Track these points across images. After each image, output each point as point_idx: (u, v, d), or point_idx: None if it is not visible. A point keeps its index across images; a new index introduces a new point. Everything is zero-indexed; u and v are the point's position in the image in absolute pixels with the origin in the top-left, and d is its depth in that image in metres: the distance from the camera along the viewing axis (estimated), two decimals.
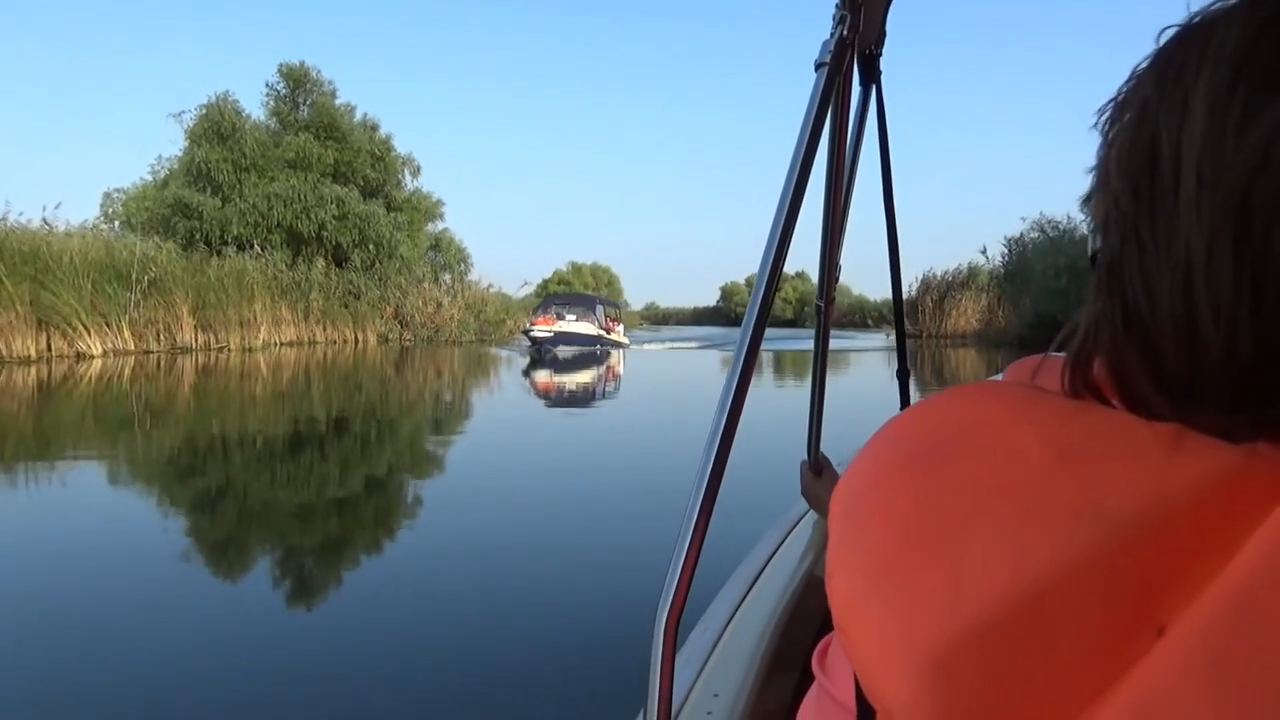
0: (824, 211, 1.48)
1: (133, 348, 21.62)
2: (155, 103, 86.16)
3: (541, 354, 27.10)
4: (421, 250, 38.06)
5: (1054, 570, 0.31)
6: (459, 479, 7.38)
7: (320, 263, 30.40)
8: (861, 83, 1.52)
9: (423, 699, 2.99)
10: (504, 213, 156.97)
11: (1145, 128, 0.36)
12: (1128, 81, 0.39)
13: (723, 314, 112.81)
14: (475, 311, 39.51)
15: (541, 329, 29.20)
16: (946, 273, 39.21)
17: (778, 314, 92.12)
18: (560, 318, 30.78)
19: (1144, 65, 0.38)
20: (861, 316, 58.91)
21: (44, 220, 22.90)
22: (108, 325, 20.93)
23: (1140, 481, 0.31)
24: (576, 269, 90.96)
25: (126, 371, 17.15)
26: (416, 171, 38.33)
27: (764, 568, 1.60)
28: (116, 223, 31.29)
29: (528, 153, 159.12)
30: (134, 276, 21.46)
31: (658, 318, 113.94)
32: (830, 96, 1.10)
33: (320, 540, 5.38)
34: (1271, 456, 0.31)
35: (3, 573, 4.49)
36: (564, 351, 27.97)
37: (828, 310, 1.62)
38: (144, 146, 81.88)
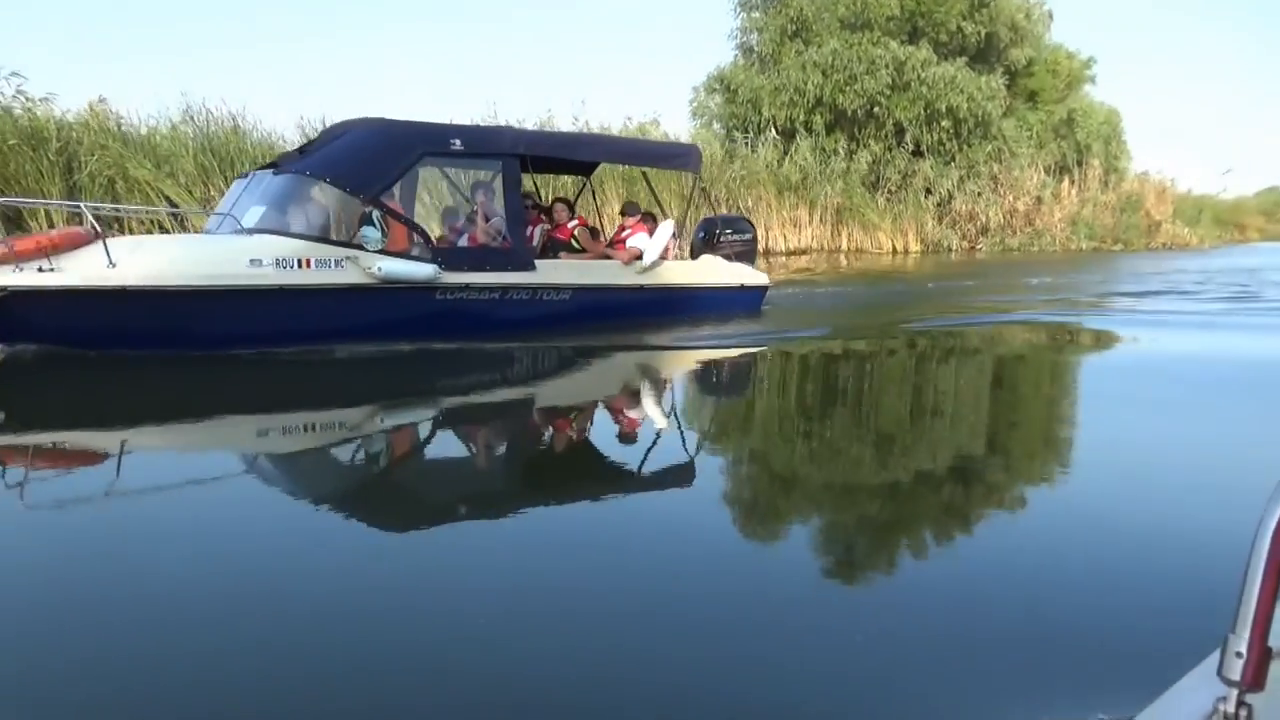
0: None
1: None
2: None
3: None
4: (1047, 127, 28.29)
5: None
6: None
7: (869, 151, 23.89)
8: None
9: None
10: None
11: None
12: None
13: None
14: (1119, 209, 28.60)
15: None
16: None
17: None
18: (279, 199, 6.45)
19: None
20: None
21: None
22: None
23: None
24: None
25: None
26: (1047, 21, 28.29)
27: None
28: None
29: None
30: None
31: None
32: None
33: None
34: None
35: None
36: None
37: None
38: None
